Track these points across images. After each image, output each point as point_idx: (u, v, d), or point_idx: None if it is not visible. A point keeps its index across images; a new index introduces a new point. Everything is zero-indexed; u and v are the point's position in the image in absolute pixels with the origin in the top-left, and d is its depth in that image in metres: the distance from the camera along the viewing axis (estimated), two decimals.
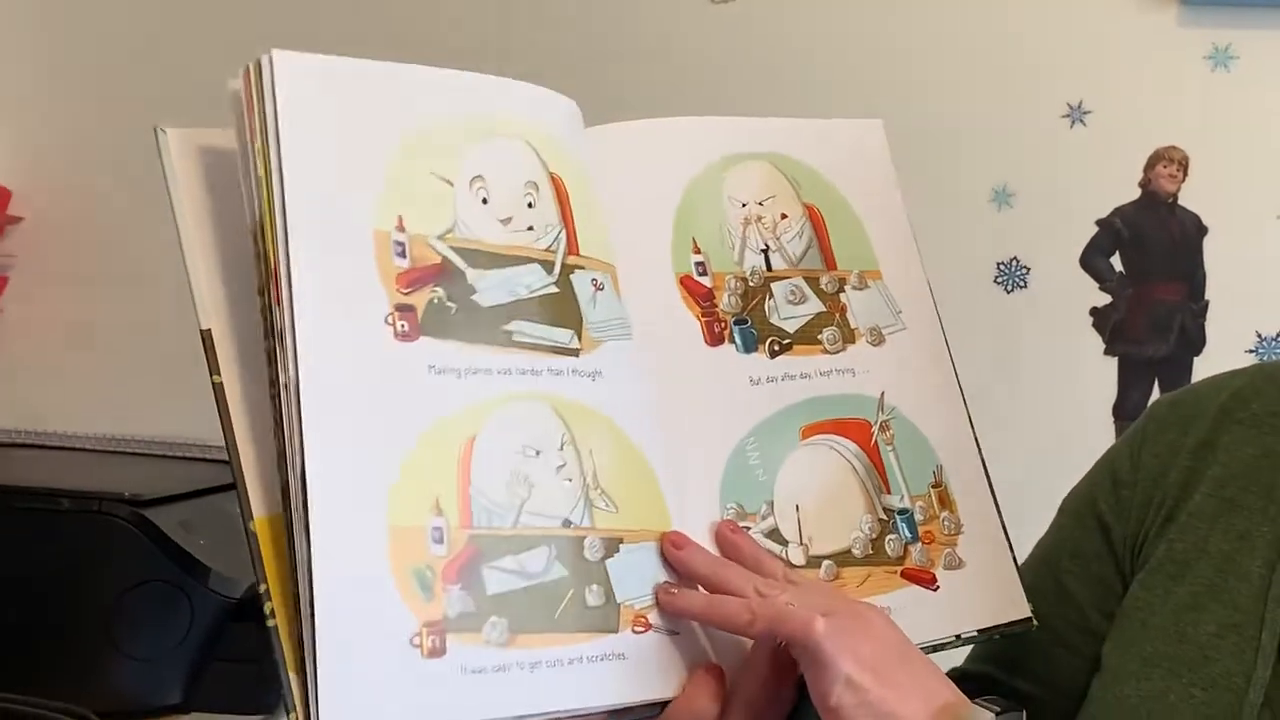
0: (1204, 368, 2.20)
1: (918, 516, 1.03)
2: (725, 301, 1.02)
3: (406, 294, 0.86)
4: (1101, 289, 2.25)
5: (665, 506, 0.95)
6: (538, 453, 0.89)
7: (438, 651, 0.82)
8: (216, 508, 1.40)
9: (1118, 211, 2.23)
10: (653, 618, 0.91)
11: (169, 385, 2.29)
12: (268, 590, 0.82)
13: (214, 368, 0.84)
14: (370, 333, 0.84)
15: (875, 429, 1.04)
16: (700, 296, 1.01)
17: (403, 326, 0.85)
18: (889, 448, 1.04)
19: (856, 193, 1.09)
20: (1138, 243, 2.23)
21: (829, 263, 1.06)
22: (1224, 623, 0.94)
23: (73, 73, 2.39)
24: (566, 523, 0.89)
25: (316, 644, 0.78)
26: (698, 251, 1.02)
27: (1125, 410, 2.20)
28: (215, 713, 1.31)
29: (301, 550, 0.80)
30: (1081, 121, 2.22)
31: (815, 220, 1.07)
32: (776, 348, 1.02)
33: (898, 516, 1.03)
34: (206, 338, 0.84)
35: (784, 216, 1.06)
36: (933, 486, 1.05)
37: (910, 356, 1.07)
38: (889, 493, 1.03)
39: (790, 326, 1.03)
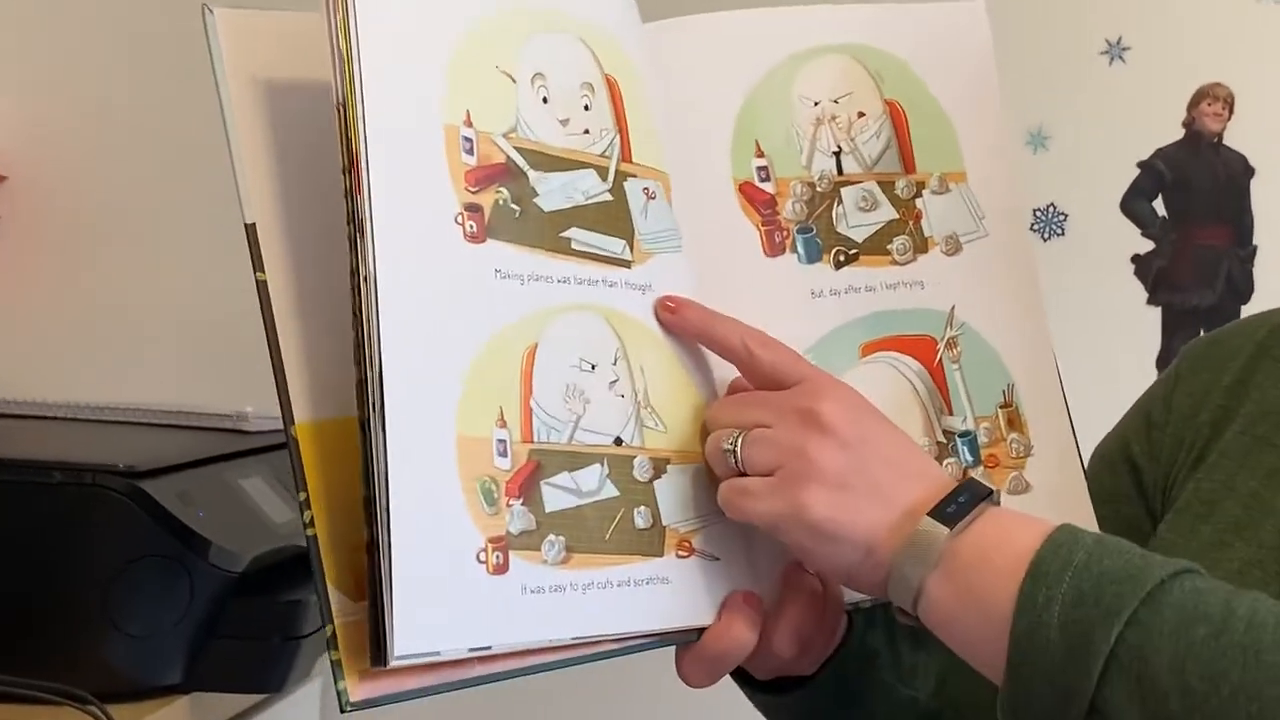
0: None
1: (981, 439, 1.02)
2: (788, 209, 1.00)
3: (475, 193, 0.86)
4: (1143, 235, 2.24)
5: None
6: (593, 367, 0.90)
7: (501, 568, 0.83)
8: (216, 478, 1.39)
9: (1160, 153, 2.23)
10: (696, 542, 0.92)
11: (163, 351, 2.29)
12: (308, 499, 0.83)
13: (258, 264, 0.85)
14: (443, 231, 0.85)
15: (941, 346, 1.02)
16: (760, 204, 1.00)
17: (471, 227, 0.86)
18: (954, 366, 1.02)
19: (947, 85, 1.06)
20: (1181, 186, 2.23)
21: (907, 165, 1.04)
22: (1247, 560, 0.94)
23: (59, 25, 2.38)
24: (618, 440, 0.90)
25: (392, 555, 0.79)
26: (760, 155, 1.00)
27: (1170, 362, 2.17)
28: (217, 692, 1.31)
29: (377, 454, 0.80)
30: (1120, 58, 2.21)
31: (896, 118, 1.04)
32: (842, 258, 1.01)
33: (958, 439, 1.01)
34: (251, 232, 0.85)
35: (861, 115, 1.03)
36: (1001, 407, 1.03)
37: (989, 266, 1.04)
38: (951, 414, 1.02)
39: (858, 235, 1.02)
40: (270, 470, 1.46)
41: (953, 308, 1.03)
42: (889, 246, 1.02)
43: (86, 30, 2.36)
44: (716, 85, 1.01)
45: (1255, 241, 2.22)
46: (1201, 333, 2.20)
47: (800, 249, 1.00)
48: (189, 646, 1.27)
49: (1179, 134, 2.22)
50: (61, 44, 2.36)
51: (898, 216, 1.03)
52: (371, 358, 0.81)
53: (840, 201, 1.01)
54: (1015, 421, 1.03)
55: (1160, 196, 2.24)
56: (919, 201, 1.03)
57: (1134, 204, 2.24)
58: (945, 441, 1.01)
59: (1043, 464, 1.03)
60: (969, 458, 1.01)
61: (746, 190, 1.00)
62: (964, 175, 1.05)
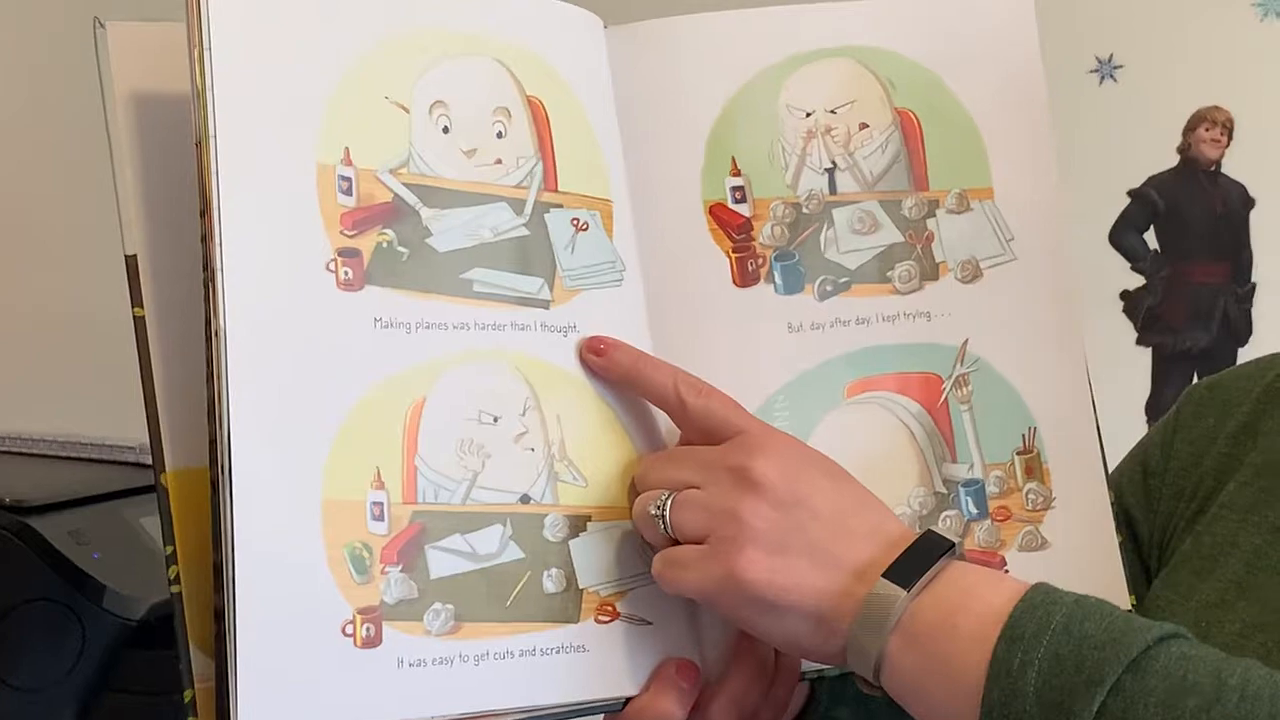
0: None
1: (991, 488, 1.00)
2: (766, 233, 0.98)
3: (351, 236, 0.87)
4: (1133, 270, 2.25)
5: None
6: (495, 419, 0.90)
7: (372, 641, 0.84)
8: (113, 516, 1.38)
9: (1152, 181, 2.24)
10: (621, 606, 0.92)
11: (56, 376, 2.28)
12: (174, 554, 0.84)
13: (136, 299, 0.86)
14: (309, 280, 0.85)
15: (947, 385, 1.00)
16: (733, 228, 0.98)
17: (346, 274, 0.87)
18: (963, 407, 1.00)
19: (976, 88, 1.03)
20: (1175, 217, 2.24)
21: (919, 182, 1.01)
22: (1250, 622, 0.93)
23: None
24: (525, 498, 0.90)
25: (237, 625, 0.80)
26: (736, 174, 0.99)
27: (1160, 408, 2.19)
28: None
29: (225, 517, 0.81)
30: (1112, 77, 2.23)
31: (909, 129, 1.02)
32: (829, 288, 0.99)
33: (961, 489, 0.99)
34: (131, 264, 0.86)
35: (863, 126, 1.01)
36: (1019, 453, 1.00)
37: (1014, 294, 1.01)
38: (954, 461, 0.99)
39: (851, 262, 1.00)
40: None
41: (965, 341, 1.00)
42: (889, 273, 1.00)
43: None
44: (691, 96, 0.99)
45: (1254, 279, 2.22)
46: (1195, 376, 2.21)
47: (778, 278, 0.98)
48: (79, 701, 1.27)
49: (1173, 161, 2.23)
50: None
51: (902, 239, 1.00)
52: (220, 418, 0.82)
53: (831, 224, 0.99)
54: (1034, 469, 1.00)
55: (1152, 228, 2.24)
56: (930, 222, 1.01)
57: (1124, 236, 2.24)
58: (946, 492, 0.99)
59: (1065, 518, 1.00)
60: (973, 510, 0.99)
61: (717, 213, 0.98)
62: (990, 191, 1.02)
